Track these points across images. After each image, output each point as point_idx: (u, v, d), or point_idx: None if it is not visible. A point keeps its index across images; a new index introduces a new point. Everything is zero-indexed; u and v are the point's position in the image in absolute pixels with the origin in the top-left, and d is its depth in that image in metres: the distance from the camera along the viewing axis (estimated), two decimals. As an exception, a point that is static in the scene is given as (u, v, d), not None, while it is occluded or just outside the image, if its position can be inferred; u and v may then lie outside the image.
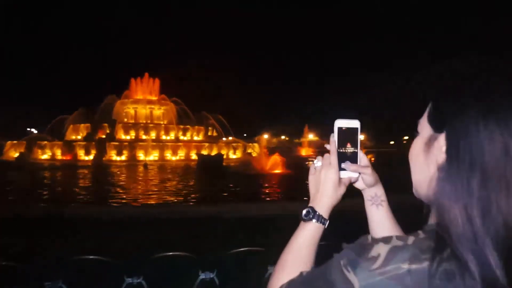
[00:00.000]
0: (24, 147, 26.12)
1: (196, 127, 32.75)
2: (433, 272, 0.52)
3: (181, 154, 27.01)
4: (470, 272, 0.50)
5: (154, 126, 31.15)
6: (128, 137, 29.12)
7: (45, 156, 25.65)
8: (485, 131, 0.53)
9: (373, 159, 28.99)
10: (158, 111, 35.29)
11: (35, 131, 43.15)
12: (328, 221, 0.83)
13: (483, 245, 0.50)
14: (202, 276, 2.44)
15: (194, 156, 25.25)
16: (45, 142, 26.77)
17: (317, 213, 0.82)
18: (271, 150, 25.81)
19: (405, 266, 0.53)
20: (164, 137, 30.08)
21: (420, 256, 0.54)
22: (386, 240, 0.58)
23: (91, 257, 2.65)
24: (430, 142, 0.63)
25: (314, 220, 0.81)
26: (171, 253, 2.64)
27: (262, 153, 25.54)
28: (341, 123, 0.85)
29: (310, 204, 0.84)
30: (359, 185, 0.95)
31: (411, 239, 0.57)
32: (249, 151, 30.13)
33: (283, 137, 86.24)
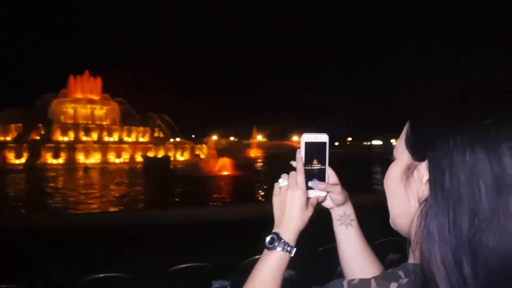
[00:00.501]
0: None
1: (142, 128, 31.52)
2: None
3: (125, 156, 25.89)
4: None
5: (96, 127, 29.40)
6: (66, 139, 27.15)
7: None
8: (473, 161, 0.44)
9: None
10: (100, 111, 33.29)
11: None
12: (295, 249, 0.74)
13: None
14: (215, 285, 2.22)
15: (139, 158, 24.28)
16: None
17: (283, 240, 0.73)
18: (219, 152, 25.66)
19: None
20: (106, 139, 28.50)
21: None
22: (351, 283, 0.54)
23: (110, 274, 2.33)
24: (409, 171, 0.54)
25: (279, 249, 0.72)
26: (184, 265, 2.40)
27: (210, 154, 25.21)
28: (308, 137, 0.78)
29: (274, 230, 0.76)
30: (327, 204, 0.87)
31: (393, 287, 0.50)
32: (197, 152, 29.67)
33: (232, 138, 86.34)
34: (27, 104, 30.99)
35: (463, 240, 0.44)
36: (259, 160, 33.74)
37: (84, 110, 32.07)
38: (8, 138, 26.52)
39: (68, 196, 11.81)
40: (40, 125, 27.12)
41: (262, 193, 12.02)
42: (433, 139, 0.48)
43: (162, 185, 14.26)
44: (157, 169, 18.66)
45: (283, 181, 0.78)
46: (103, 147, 25.61)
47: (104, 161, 24.37)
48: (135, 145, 27.74)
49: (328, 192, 0.82)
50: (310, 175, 0.78)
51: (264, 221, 0.96)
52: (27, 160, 22.34)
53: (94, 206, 10.05)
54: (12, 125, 27.65)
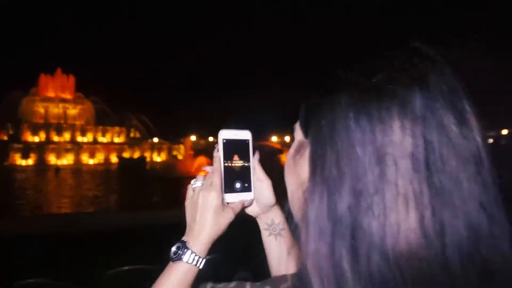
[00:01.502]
0: None
1: (117, 128, 30.78)
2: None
3: (99, 157, 25.19)
4: None
5: (68, 127, 28.49)
6: (36, 139, 26.16)
7: None
8: (356, 132, 0.38)
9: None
10: (73, 110, 32.29)
11: None
12: (204, 260, 0.63)
13: None
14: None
15: (114, 159, 23.69)
16: None
17: (189, 250, 0.62)
18: (198, 152, 25.35)
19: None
20: (80, 139, 27.68)
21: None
22: None
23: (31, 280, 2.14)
24: (299, 149, 0.49)
25: (184, 260, 0.62)
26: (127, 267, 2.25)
27: (187, 155, 24.87)
28: (227, 134, 0.69)
29: (184, 238, 0.65)
30: (251, 210, 0.75)
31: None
32: (174, 153, 29.25)
33: (211, 138, 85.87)
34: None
35: (342, 228, 0.37)
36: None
37: (56, 109, 31.02)
38: (-26, 138, 25.39)
39: (36, 198, 11.33)
40: (9, 124, 26.13)
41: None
42: (316, 110, 0.43)
43: (138, 187, 13.92)
44: (132, 170, 18.25)
45: (197, 182, 0.67)
46: (76, 147, 24.87)
47: (77, 162, 23.66)
48: (109, 145, 27.06)
49: (254, 197, 0.71)
50: (232, 176, 0.68)
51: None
52: (-6, 161, 21.42)
53: (64, 209, 9.66)
54: (-22, 124, 26.47)
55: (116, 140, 29.86)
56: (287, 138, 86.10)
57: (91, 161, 24.60)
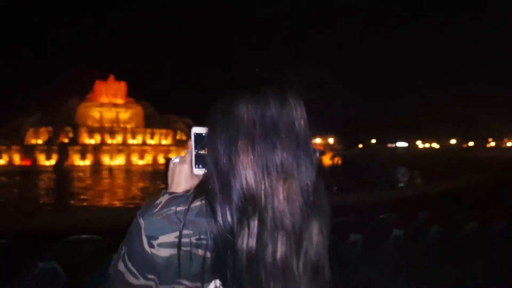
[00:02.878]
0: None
1: (164, 130, 32.19)
2: (189, 210, 0.75)
3: (148, 158, 26.46)
4: (215, 219, 0.73)
5: (120, 130, 30.31)
6: (92, 141, 28.15)
7: (1, 161, 24.35)
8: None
9: (339, 161, 29.75)
10: (124, 114, 34.29)
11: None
12: None
13: (222, 206, 0.73)
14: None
15: (162, 160, 24.78)
16: (2, 146, 25.39)
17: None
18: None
19: (173, 208, 0.75)
20: (130, 141, 29.33)
21: (186, 201, 0.76)
22: (171, 192, 0.82)
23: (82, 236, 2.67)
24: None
25: None
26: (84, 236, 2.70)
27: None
28: (197, 129, 0.98)
29: (163, 191, 0.90)
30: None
31: (190, 191, 0.80)
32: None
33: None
34: (56, 108, 32.27)
35: (219, 163, 0.78)
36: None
37: (109, 114, 33.12)
38: (39, 141, 27.78)
39: (93, 195, 12.32)
40: (68, 128, 28.24)
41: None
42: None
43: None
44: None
45: (176, 159, 0.98)
46: (127, 149, 26.33)
47: (128, 163, 25.05)
48: (157, 147, 28.32)
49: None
50: (197, 158, 0.95)
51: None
52: (56, 162, 23.31)
53: (117, 204, 10.46)
54: (43, 128, 28.93)
55: (164, 142, 31.25)
56: (331, 140, 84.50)
57: (140, 162, 25.90)
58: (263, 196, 0.73)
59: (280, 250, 0.73)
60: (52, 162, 23.69)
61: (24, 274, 2.09)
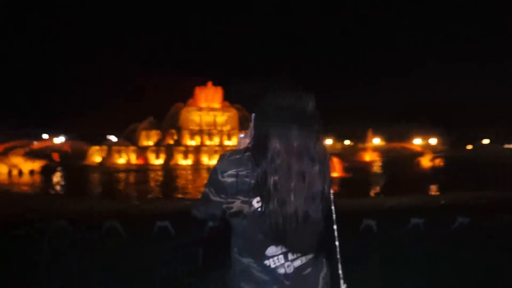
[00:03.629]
0: (105, 152, 29.14)
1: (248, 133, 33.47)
2: (242, 158, 1.32)
3: (242, 158, 27.79)
4: (256, 164, 1.28)
5: (217, 132, 32.69)
6: (193, 143, 30.95)
7: (122, 160, 28.30)
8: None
9: (441, 163, 27.48)
10: (221, 117, 36.92)
11: (113, 138, 47.52)
12: None
13: (260, 158, 1.28)
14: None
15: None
16: (122, 147, 29.55)
17: None
18: (333, 155, 25.63)
19: (234, 156, 1.34)
20: (226, 142, 31.43)
21: (242, 153, 1.34)
22: (235, 149, 1.40)
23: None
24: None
25: None
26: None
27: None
28: (253, 116, 1.50)
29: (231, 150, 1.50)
30: None
31: (244, 149, 1.38)
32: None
33: (347, 142, 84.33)
34: (163, 114, 36.22)
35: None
36: (375, 164, 32.47)
37: (207, 117, 35.97)
38: (150, 143, 31.56)
39: (193, 189, 13.74)
40: (173, 131, 31.54)
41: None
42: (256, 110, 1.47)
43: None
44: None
45: (241, 135, 1.57)
46: (223, 149, 28.21)
47: (224, 163, 26.84)
48: (251, 148, 29.54)
49: None
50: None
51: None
52: (164, 161, 26.23)
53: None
54: (153, 132, 32.81)
55: (256, 143, 32.50)
56: (432, 141, 77.56)
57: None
58: (282, 154, 1.25)
59: (294, 181, 1.25)
60: (161, 161, 26.68)
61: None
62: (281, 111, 1.28)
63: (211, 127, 34.54)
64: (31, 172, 18.43)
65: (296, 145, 1.25)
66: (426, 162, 28.26)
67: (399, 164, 30.68)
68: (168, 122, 34.05)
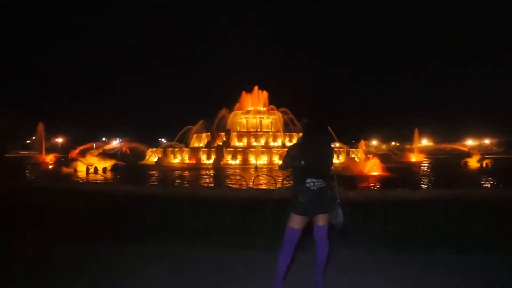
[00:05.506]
0: (161, 153, 32.07)
1: (301, 134, 34.82)
2: (299, 145, 3.59)
3: (286, 158, 29.26)
4: (303, 148, 3.49)
5: (263, 134, 34.53)
6: (241, 144, 33.03)
7: (176, 160, 30.98)
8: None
9: (490, 164, 27.01)
10: (266, 120, 38.84)
11: (164, 141, 51.15)
12: None
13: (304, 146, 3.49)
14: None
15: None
16: (176, 149, 32.31)
17: None
18: (379, 156, 26.31)
19: (296, 144, 3.67)
20: (272, 144, 33.15)
21: (299, 143, 3.61)
22: (297, 143, 3.67)
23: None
24: None
25: None
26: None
27: (364, 157, 26.56)
28: (304, 122, 3.29)
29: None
30: None
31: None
32: (352, 156, 31.03)
33: (393, 142, 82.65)
34: (211, 117, 38.80)
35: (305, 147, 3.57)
36: (422, 164, 32.46)
37: (254, 120, 38.00)
38: (201, 144, 34.09)
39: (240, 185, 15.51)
40: (222, 133, 33.86)
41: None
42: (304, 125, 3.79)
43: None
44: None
45: (300, 139, 3.49)
46: (269, 151, 29.92)
47: (270, 162, 28.50)
48: (295, 149, 30.93)
49: None
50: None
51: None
52: (214, 161, 28.43)
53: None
54: (204, 134, 35.37)
55: (300, 144, 33.86)
56: (486, 142, 73.65)
57: (281, 162, 28.88)
58: (310, 144, 3.44)
59: (317, 158, 3.39)
60: (211, 161, 28.91)
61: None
62: (314, 128, 3.43)
63: (257, 130, 36.42)
64: (104, 170, 21.23)
65: (317, 141, 3.39)
66: (472, 163, 27.93)
67: (442, 165, 30.46)
68: (217, 126, 36.54)
